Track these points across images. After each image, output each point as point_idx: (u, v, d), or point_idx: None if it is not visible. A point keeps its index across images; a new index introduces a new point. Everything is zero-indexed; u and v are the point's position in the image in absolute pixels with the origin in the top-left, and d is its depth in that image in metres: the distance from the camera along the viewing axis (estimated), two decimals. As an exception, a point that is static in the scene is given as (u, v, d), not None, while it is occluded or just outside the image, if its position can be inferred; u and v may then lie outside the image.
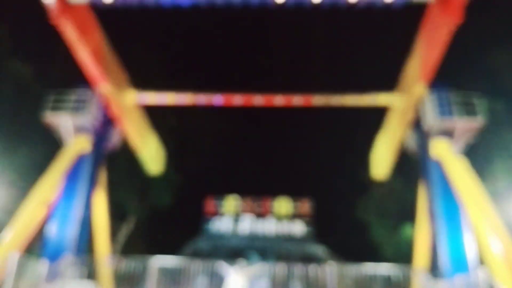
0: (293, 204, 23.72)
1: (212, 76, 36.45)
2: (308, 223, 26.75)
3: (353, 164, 32.82)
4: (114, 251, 24.95)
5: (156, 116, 31.29)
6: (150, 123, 29.91)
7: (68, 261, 16.43)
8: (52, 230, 18.89)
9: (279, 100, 21.16)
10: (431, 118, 19.35)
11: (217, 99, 21.33)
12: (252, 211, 23.55)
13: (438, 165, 19.11)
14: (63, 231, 18.80)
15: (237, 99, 21.30)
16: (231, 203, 23.77)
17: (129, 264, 16.45)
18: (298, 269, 17.49)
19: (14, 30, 25.11)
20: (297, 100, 21.02)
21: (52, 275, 16.09)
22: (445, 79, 20.46)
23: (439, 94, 19.62)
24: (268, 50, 40.04)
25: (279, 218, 23.27)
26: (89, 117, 20.08)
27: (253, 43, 39.60)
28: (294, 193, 25.74)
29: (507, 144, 23.45)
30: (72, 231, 18.79)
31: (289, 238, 26.87)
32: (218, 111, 33.48)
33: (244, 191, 25.13)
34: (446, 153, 19.07)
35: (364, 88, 21.19)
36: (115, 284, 17.43)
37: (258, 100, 21.24)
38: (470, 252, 17.51)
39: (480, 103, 19.25)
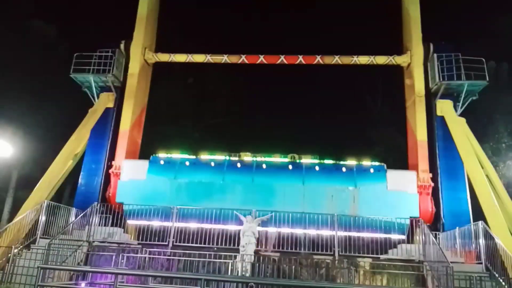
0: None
1: (225, 36, 35.32)
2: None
3: (360, 121, 32.28)
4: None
5: (175, 76, 30.84)
6: (170, 83, 29.45)
7: (95, 208, 16.41)
8: (81, 180, 19.03)
9: (292, 59, 20.49)
10: (437, 80, 18.78)
11: (231, 58, 20.75)
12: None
13: (442, 124, 18.70)
14: (91, 182, 18.96)
15: (250, 59, 20.75)
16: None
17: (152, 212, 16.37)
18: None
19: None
20: (311, 59, 20.32)
21: (81, 222, 16.15)
22: (450, 42, 19.69)
23: (445, 56, 18.85)
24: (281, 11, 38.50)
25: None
26: (112, 76, 19.75)
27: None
28: (303, 151, 25.33)
29: (509, 105, 22.69)
30: (99, 182, 18.95)
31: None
32: (232, 71, 32.86)
33: (255, 148, 24.92)
34: (449, 114, 18.63)
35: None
36: (138, 230, 17.49)
37: (268, 59, 20.65)
38: (470, 207, 17.29)
39: (485, 65, 18.45)
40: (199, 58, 21.02)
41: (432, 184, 17.86)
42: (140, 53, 20.58)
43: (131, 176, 18.11)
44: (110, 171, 18.85)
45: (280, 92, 37.58)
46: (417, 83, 19.22)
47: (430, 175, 17.91)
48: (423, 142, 18.54)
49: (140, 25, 20.73)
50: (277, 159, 19.13)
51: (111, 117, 19.97)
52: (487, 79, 18.42)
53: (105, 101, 20.08)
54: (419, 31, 19.58)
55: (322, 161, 18.60)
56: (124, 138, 19.51)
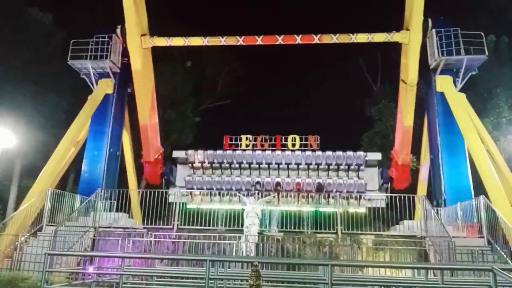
0: (303, 139, 23.37)
1: (222, 18, 35.04)
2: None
3: (360, 101, 32.17)
4: (141, 185, 25.20)
5: (174, 60, 30.62)
6: (168, 67, 29.16)
7: (100, 194, 16.50)
8: (84, 167, 19.10)
9: (289, 39, 20.09)
10: (436, 56, 18.54)
11: (229, 40, 20.38)
12: (265, 147, 23.37)
13: (442, 100, 18.60)
14: (94, 168, 19.04)
15: (247, 40, 20.31)
16: (246, 141, 23.56)
17: (155, 196, 16.40)
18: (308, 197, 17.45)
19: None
20: (309, 38, 19.96)
21: (86, 208, 16.25)
22: (449, 17, 19.37)
23: (444, 32, 18.59)
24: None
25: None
26: (110, 62, 19.61)
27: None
28: (304, 131, 25.39)
29: (510, 79, 22.46)
30: (102, 168, 19.02)
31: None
32: (231, 54, 32.60)
33: (257, 131, 24.98)
34: (449, 90, 18.46)
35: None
36: (142, 214, 17.63)
37: (266, 39, 20.26)
38: (471, 182, 17.31)
39: (484, 40, 18.22)
40: (196, 41, 20.74)
41: (410, 165, 20.73)
42: (138, 46, 19.75)
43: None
44: (142, 160, 21.67)
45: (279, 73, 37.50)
46: (411, 71, 18.83)
47: (411, 155, 20.87)
48: (409, 128, 19.84)
49: (129, 14, 18.92)
50: None
51: (111, 103, 19.96)
52: (487, 53, 18.23)
53: (104, 87, 19.99)
54: (421, 13, 18.30)
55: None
56: (145, 131, 20.77)
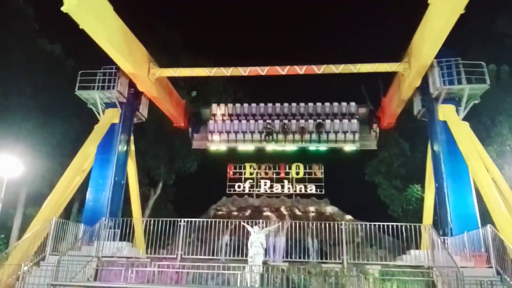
0: (308, 169, 23.32)
1: (226, 48, 35.50)
2: (321, 186, 26.35)
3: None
4: (145, 214, 24.97)
5: (179, 88, 30.86)
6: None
7: (103, 223, 16.32)
8: (89, 196, 18.96)
9: (293, 70, 20.26)
10: (438, 85, 18.52)
11: (234, 72, 20.56)
12: (269, 175, 23.31)
13: (445, 129, 18.49)
14: (98, 197, 18.88)
15: (252, 71, 20.48)
16: (250, 169, 23.54)
17: (159, 225, 16.19)
18: (313, 226, 17.18)
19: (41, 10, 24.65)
20: (311, 70, 20.11)
21: (90, 237, 16.06)
22: (452, 46, 19.48)
23: (446, 61, 18.67)
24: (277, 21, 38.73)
25: (295, 181, 22.99)
26: (117, 93, 19.76)
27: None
28: (308, 161, 25.34)
29: (513, 107, 22.44)
30: (106, 196, 18.86)
31: (304, 198, 26.75)
32: (236, 83, 32.84)
33: (262, 160, 24.99)
34: (451, 119, 18.38)
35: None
36: (146, 243, 17.39)
37: (270, 71, 20.44)
38: (477, 211, 17.00)
39: (486, 68, 18.28)
40: (202, 72, 20.99)
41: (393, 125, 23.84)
42: (149, 86, 20.49)
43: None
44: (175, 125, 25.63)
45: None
46: (404, 93, 19.98)
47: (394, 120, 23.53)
48: (395, 113, 22.68)
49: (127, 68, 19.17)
50: None
51: (117, 132, 19.98)
52: (488, 82, 18.24)
53: (110, 116, 20.08)
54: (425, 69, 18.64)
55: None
56: (172, 114, 24.29)
